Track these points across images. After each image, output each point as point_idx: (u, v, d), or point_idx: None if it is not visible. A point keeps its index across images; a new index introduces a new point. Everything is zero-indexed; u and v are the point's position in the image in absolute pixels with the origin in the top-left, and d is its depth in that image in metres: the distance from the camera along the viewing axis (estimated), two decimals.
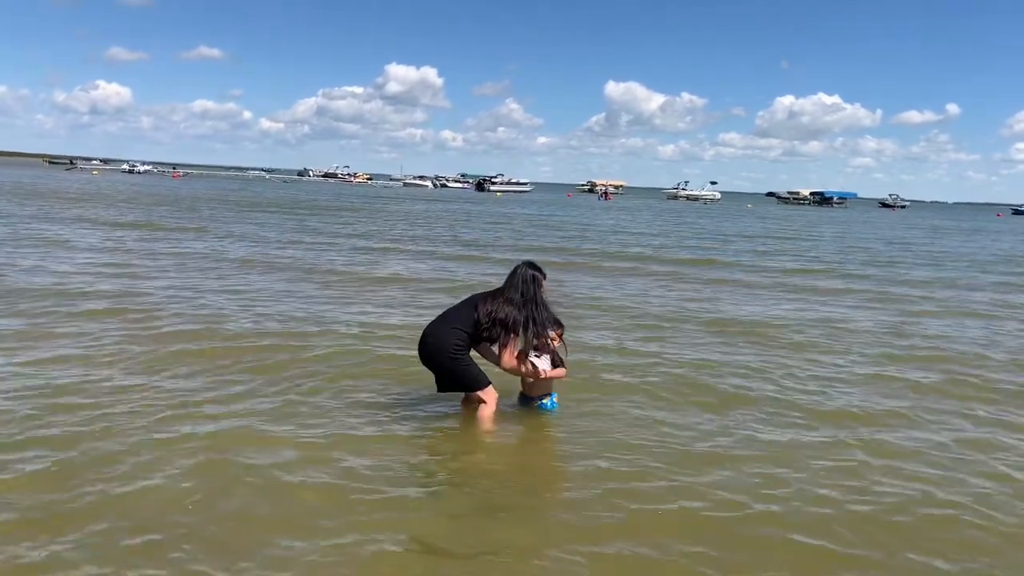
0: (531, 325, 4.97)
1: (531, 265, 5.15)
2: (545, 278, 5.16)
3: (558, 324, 5.24)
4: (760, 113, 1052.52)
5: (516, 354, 5.04)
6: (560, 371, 5.25)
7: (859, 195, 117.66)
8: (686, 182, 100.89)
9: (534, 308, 4.99)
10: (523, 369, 5.09)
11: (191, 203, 32.35)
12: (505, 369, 5.11)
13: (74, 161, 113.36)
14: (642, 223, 35.41)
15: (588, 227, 29.74)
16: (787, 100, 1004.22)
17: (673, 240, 24.58)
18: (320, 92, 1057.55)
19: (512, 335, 4.95)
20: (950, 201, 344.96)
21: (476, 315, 4.94)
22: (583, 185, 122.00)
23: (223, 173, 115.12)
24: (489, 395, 5.04)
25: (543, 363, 5.13)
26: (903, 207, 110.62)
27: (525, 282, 5.02)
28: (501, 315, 4.91)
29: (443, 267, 14.26)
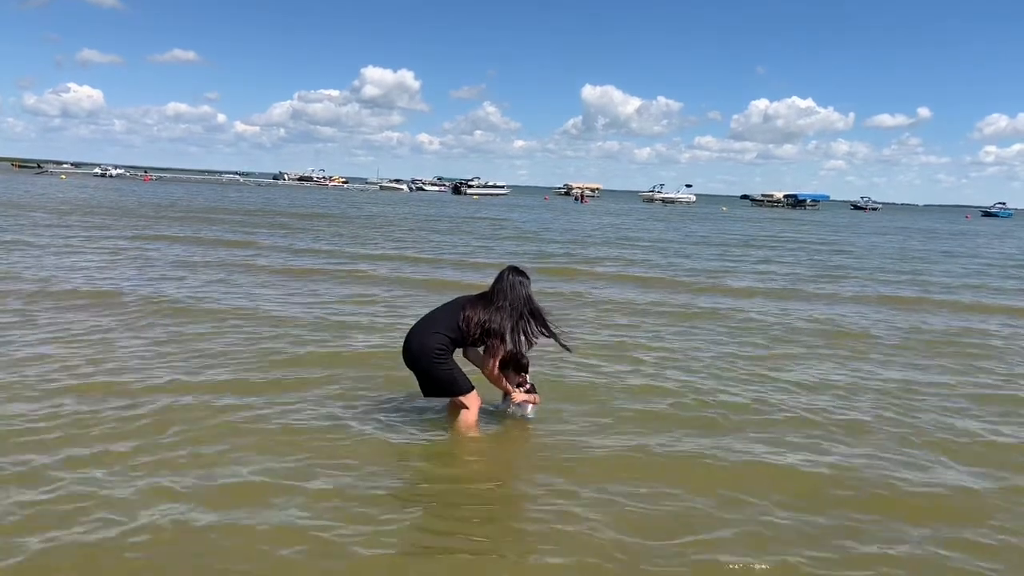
0: (519, 332, 4.87)
1: (517, 271, 5.04)
2: (529, 282, 5.03)
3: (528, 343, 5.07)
4: (735, 116, 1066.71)
5: (498, 365, 4.94)
6: (534, 396, 5.17)
7: (832, 197, 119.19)
8: (662, 185, 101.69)
9: (520, 317, 4.89)
10: (502, 383, 5.03)
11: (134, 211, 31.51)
12: (489, 378, 5.03)
13: (43, 165, 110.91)
14: (635, 227, 35.43)
15: (574, 232, 29.67)
16: (762, 104, 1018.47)
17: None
18: (296, 95, 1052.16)
19: (502, 343, 4.83)
20: (920, 203, 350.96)
21: (463, 322, 4.79)
22: (560, 188, 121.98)
23: (197, 177, 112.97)
24: (472, 401, 4.90)
25: (521, 400, 5.10)
26: (874, 209, 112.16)
27: (513, 288, 4.90)
28: (495, 325, 4.79)
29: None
